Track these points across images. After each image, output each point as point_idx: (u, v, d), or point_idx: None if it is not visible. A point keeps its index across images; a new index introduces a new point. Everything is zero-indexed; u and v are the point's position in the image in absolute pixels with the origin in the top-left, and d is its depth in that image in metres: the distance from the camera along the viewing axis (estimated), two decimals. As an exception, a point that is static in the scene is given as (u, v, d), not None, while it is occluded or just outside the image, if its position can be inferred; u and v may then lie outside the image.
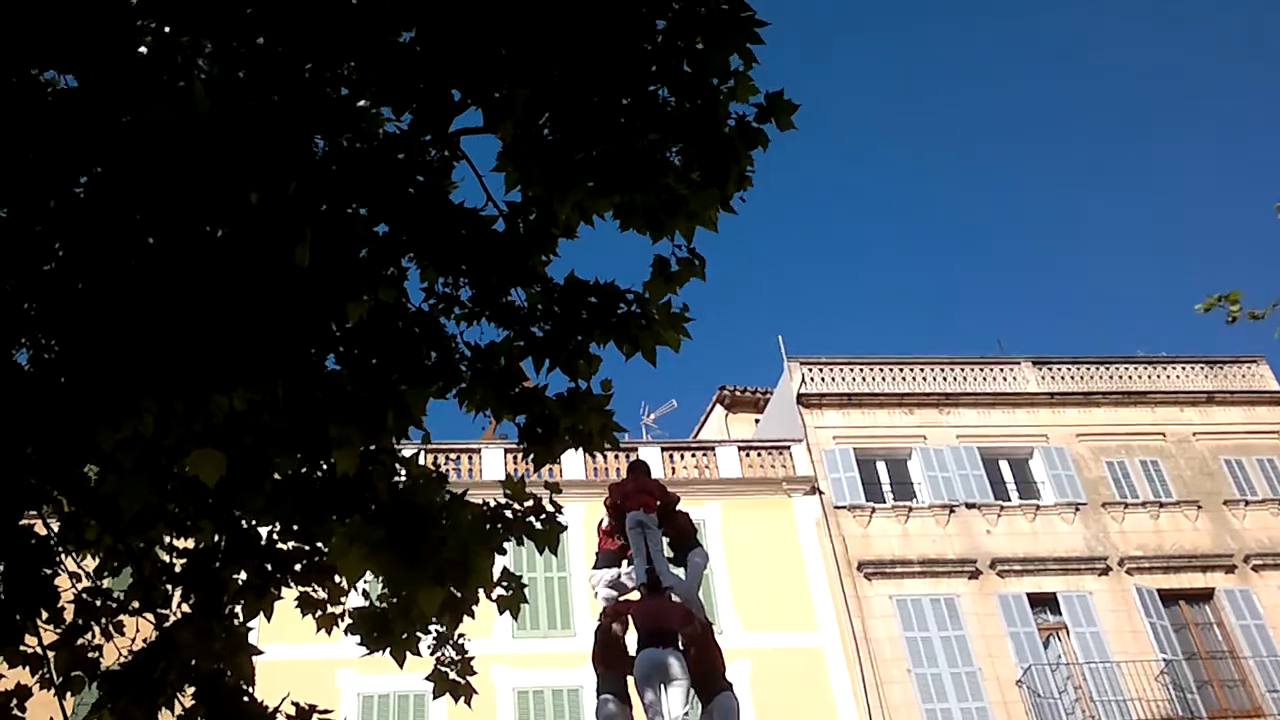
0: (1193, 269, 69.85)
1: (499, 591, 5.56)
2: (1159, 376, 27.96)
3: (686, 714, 8.83)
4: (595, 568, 10.38)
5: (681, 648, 9.10)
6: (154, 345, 3.98)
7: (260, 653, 5.95)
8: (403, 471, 5.31)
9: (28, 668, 5.93)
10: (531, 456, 5.03)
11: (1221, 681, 23.16)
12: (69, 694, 5.93)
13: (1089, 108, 72.17)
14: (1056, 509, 25.07)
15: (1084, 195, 73.11)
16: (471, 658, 6.18)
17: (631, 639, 9.47)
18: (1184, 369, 28.20)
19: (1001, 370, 27.59)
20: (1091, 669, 22.71)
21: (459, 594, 5.03)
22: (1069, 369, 27.84)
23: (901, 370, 27.17)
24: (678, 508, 10.48)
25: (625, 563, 10.21)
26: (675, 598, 9.51)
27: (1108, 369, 27.97)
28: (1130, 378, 27.87)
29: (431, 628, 5.79)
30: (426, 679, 6.07)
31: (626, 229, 4.57)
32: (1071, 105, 72.13)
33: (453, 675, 6.09)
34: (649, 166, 4.47)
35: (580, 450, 5.13)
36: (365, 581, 6.23)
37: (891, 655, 22.54)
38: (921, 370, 27.24)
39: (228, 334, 3.99)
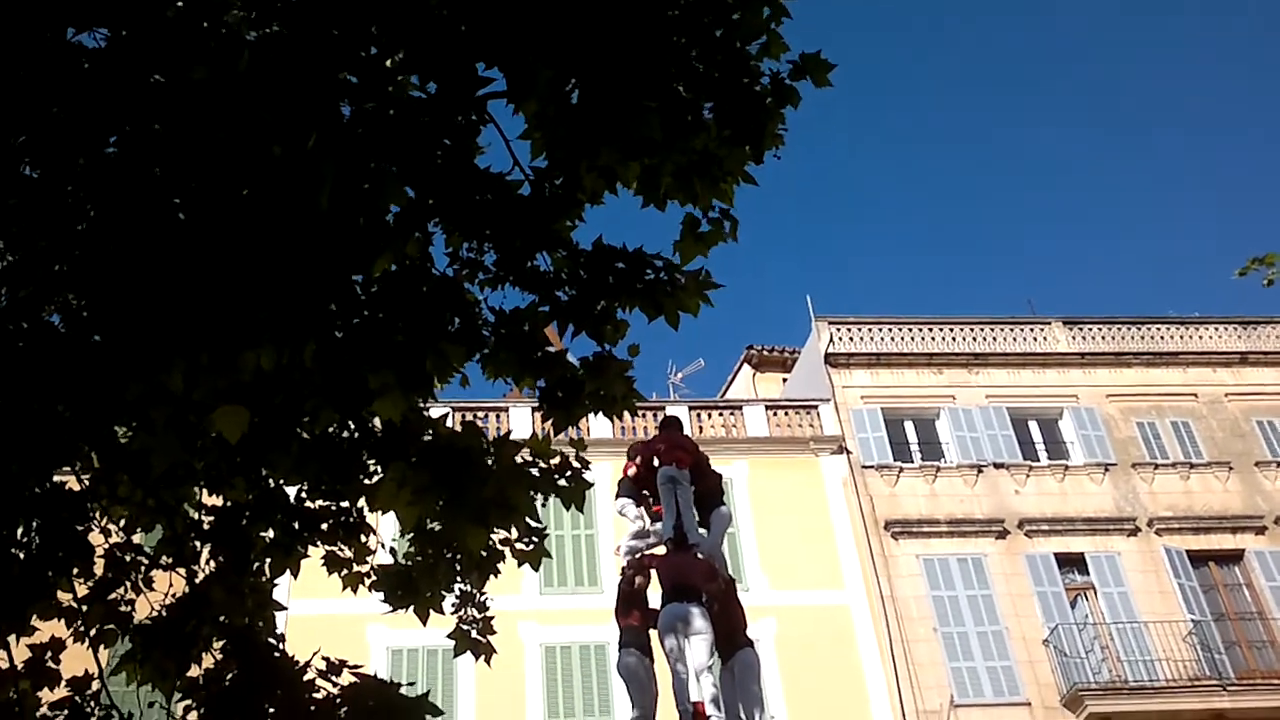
0: (1227, 228, 69.10)
1: (520, 545, 5.60)
2: (1191, 337, 27.74)
3: (710, 666, 8.91)
4: (617, 497, 10.55)
5: (705, 603, 9.17)
6: (183, 302, 4.02)
7: (284, 609, 6.04)
8: (430, 433, 5.34)
9: (62, 621, 6.04)
10: (551, 421, 5.05)
11: (1250, 642, 23.13)
12: (102, 647, 6.04)
13: (1123, 59, 71.27)
14: (1085, 469, 24.99)
15: (1117, 153, 72.36)
16: (492, 617, 6.26)
17: (654, 594, 9.54)
18: (1217, 329, 27.95)
19: (1032, 330, 27.42)
20: (1119, 629, 22.71)
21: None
22: (1100, 329, 27.65)
23: (930, 330, 27.06)
24: (708, 464, 10.55)
25: (643, 509, 10.29)
26: (700, 555, 9.56)
27: (1139, 329, 27.76)
28: (1162, 338, 27.66)
29: (455, 586, 5.85)
30: (448, 636, 6.14)
31: (652, 197, 4.56)
32: (1105, 57, 71.23)
33: (474, 634, 6.16)
34: (678, 128, 4.45)
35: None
36: (392, 539, 6.31)
37: (918, 614, 22.60)
38: (951, 330, 27.12)
39: (255, 291, 4.01)
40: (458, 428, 5.20)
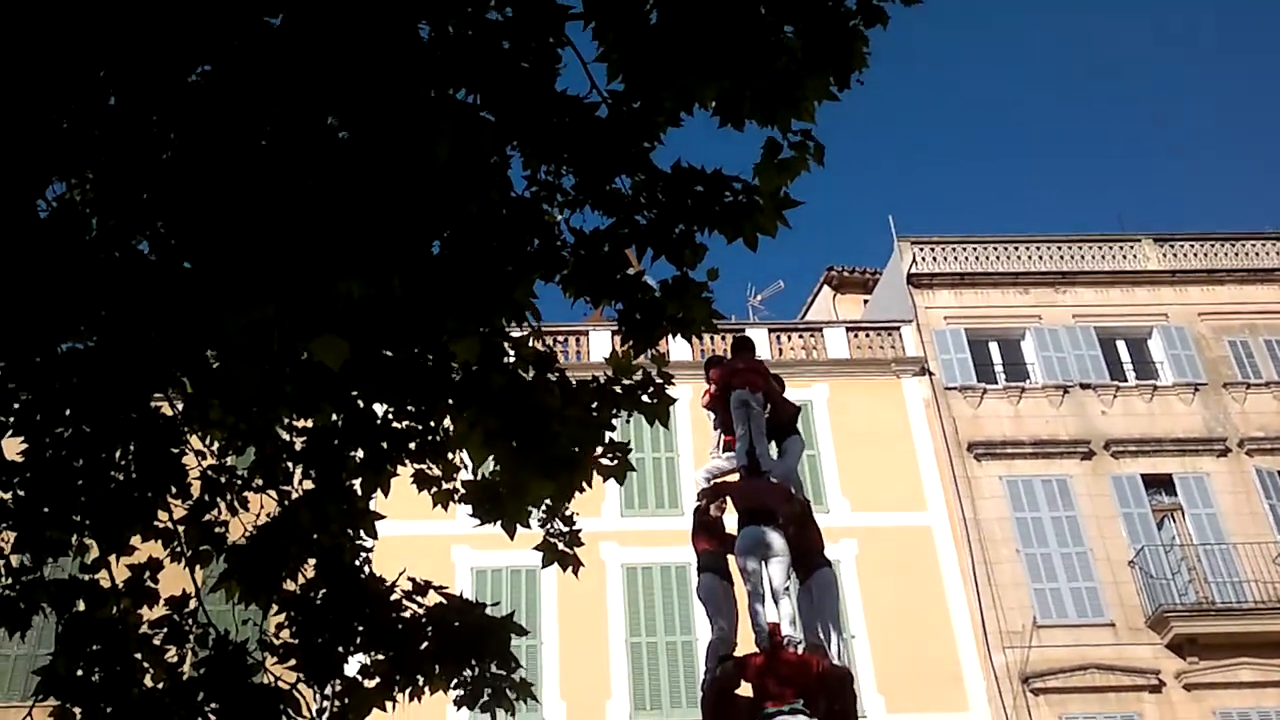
0: (1328, 140, 66.62)
1: (605, 461, 5.63)
2: (1289, 252, 26.92)
3: (787, 588, 8.96)
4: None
5: (781, 526, 9.20)
6: (274, 232, 4.07)
7: (381, 517, 6.16)
8: (512, 354, 5.39)
9: (160, 541, 6.23)
10: (630, 343, 5.06)
11: (1342, 563, 22.70)
12: (198, 567, 6.22)
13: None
14: (1175, 389, 24.52)
15: (1210, 64, 69.95)
16: (579, 530, 6.32)
17: (730, 519, 9.59)
18: (1316, 244, 27.10)
19: (1121, 248, 26.80)
20: (1206, 551, 22.40)
21: (565, 490, 5.16)
22: (1192, 246, 26.93)
23: (1016, 249, 26.56)
24: (783, 394, 10.50)
25: (722, 447, 10.29)
26: (774, 479, 9.57)
27: (1233, 245, 27.00)
28: (1257, 254, 26.88)
29: (543, 501, 5.91)
30: (535, 548, 6.22)
31: (730, 118, 4.49)
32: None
33: (561, 546, 6.24)
34: (759, 50, 4.37)
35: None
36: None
37: (1001, 535, 22.47)
38: (1037, 249, 26.59)
39: (347, 224, 4.05)
40: (540, 347, 5.24)
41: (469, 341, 4.46)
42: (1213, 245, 26.96)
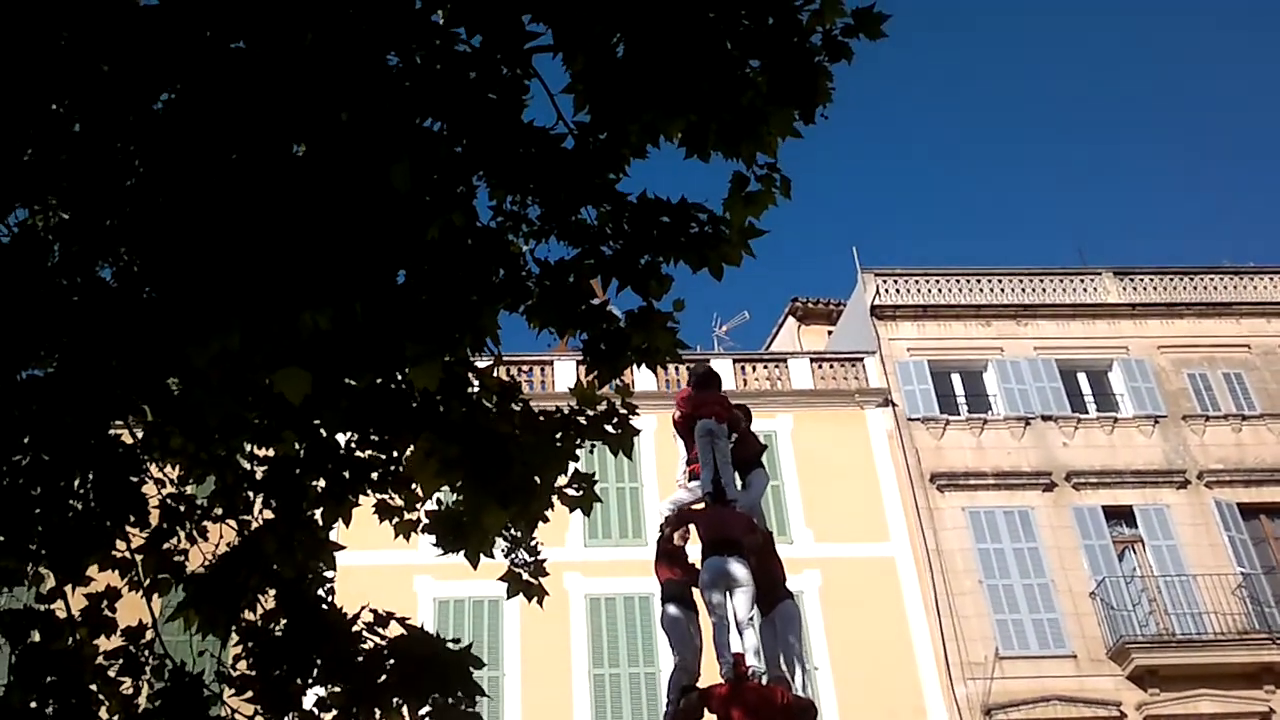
0: (1284, 176, 67.72)
1: (570, 492, 5.62)
2: (1245, 287, 27.31)
3: (751, 618, 8.96)
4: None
5: (745, 556, 9.20)
6: (238, 262, 4.05)
7: (341, 548, 6.11)
8: (476, 383, 5.38)
9: (117, 571, 6.15)
10: (595, 373, 5.07)
11: (1300, 596, 22.92)
12: (156, 596, 6.15)
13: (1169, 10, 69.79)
14: (1135, 421, 24.77)
15: (1172, 99, 71.01)
16: (544, 559, 6.29)
17: (693, 549, 9.59)
18: (1271, 279, 27.49)
19: (1082, 280, 27.11)
20: (1167, 582, 22.58)
21: (522, 516, 5.15)
22: (1152, 279, 27.29)
23: (978, 281, 26.81)
24: (749, 428, 10.52)
25: (688, 477, 10.28)
26: (739, 509, 9.58)
27: (1192, 279, 27.37)
28: (1215, 288, 27.26)
29: (505, 531, 5.88)
30: (500, 579, 6.19)
31: (696, 150, 4.51)
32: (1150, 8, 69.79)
33: (526, 576, 6.20)
34: (725, 85, 4.40)
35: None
36: (441, 490, 6.37)
37: (963, 566, 22.57)
38: (999, 281, 26.85)
39: (311, 252, 4.04)
40: (504, 376, 5.23)
41: (430, 368, 4.45)
42: (1172, 279, 27.32)
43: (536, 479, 5.12)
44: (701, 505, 9.78)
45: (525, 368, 23.72)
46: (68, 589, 5.82)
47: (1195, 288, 27.22)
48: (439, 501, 5.85)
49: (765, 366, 25.31)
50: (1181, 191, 71.00)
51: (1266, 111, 68.31)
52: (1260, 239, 69.57)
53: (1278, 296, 27.11)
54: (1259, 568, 22.94)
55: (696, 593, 9.30)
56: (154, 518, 6.09)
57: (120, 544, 5.94)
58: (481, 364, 5.43)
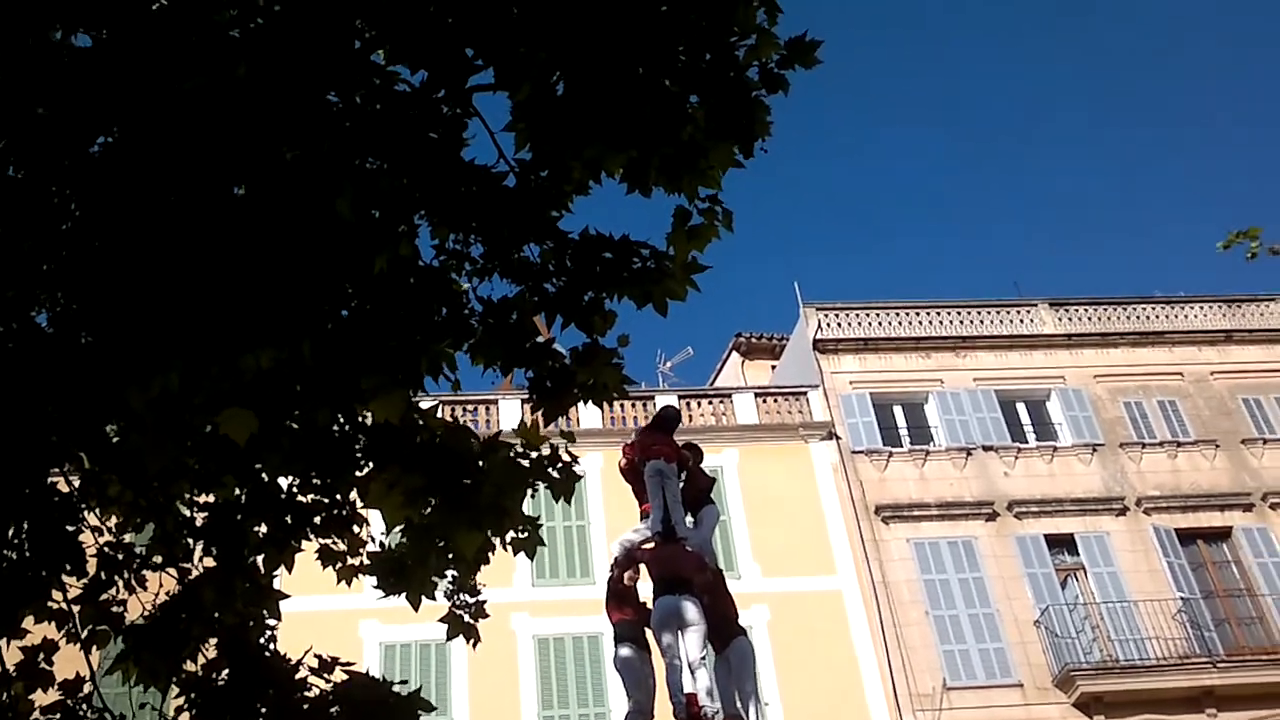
0: (1212, 207, 69.26)
1: (514, 534, 5.59)
2: (1177, 316, 27.82)
3: (703, 658, 8.93)
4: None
5: (695, 595, 9.18)
6: (178, 304, 4.00)
7: (286, 596, 6.02)
8: (423, 425, 5.34)
9: (54, 623, 6.01)
10: (541, 411, 5.05)
11: (1239, 619, 23.25)
12: (94, 648, 6.01)
13: (1102, 39, 71.33)
14: (1074, 450, 25.08)
15: (1100, 135, 72.45)
16: (484, 602, 6.25)
17: (644, 587, 9.56)
18: (1202, 308, 28.04)
19: (1018, 312, 27.49)
20: (1109, 608, 22.81)
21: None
22: (1086, 310, 27.74)
23: (918, 314, 27.11)
24: (700, 465, 10.55)
25: (641, 517, 10.28)
26: (689, 547, 9.58)
27: (1125, 309, 27.86)
28: (1148, 317, 27.75)
29: (448, 572, 5.84)
30: (440, 620, 6.13)
31: (638, 186, 4.52)
32: (1084, 37, 71.32)
33: (466, 618, 6.16)
34: (665, 120, 4.43)
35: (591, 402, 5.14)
36: (381, 532, 6.31)
37: (910, 598, 22.67)
38: (938, 313, 27.18)
39: (252, 292, 4.00)
40: (449, 418, 5.20)
41: (392, 398, 4.41)
42: (1106, 309, 27.79)
43: (507, 501, 5.08)
44: (652, 544, 9.77)
45: (469, 406, 23.59)
46: (2, 642, 5.68)
47: (1128, 318, 27.70)
48: (382, 546, 5.79)
49: (710, 402, 25.37)
50: (1114, 223, 72.33)
51: (1194, 144, 69.93)
52: (1189, 269, 71.02)
53: (1208, 325, 27.64)
54: (1198, 592, 23.25)
55: (650, 632, 9.27)
56: (91, 567, 5.97)
57: (57, 595, 5.80)
58: (425, 404, 5.39)
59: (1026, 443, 25.33)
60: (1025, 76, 72.28)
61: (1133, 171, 71.44)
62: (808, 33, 4.61)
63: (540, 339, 4.99)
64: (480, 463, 5.01)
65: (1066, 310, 27.66)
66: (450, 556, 5.58)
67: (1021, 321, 27.28)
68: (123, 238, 4.08)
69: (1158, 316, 27.79)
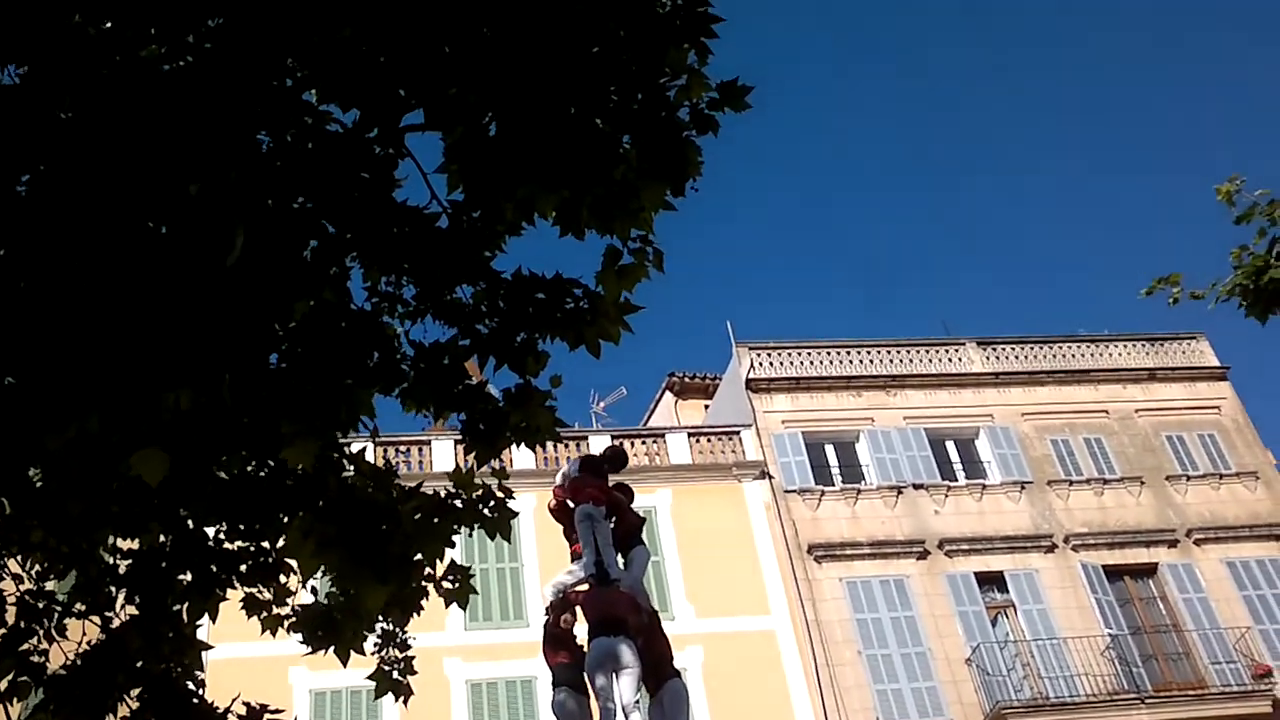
0: (1133, 247, 70.81)
1: (446, 584, 5.56)
2: (1101, 355, 28.33)
3: (638, 701, 8.88)
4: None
5: (630, 636, 9.14)
6: (96, 345, 3.92)
7: (210, 648, 5.91)
8: (351, 468, 5.29)
9: (-29, 675, 5.84)
10: (474, 453, 5.02)
11: (1166, 655, 23.56)
12: (14, 700, 5.85)
13: (1036, 85, 72.91)
14: (1003, 488, 25.36)
15: (1025, 178, 73.89)
16: (413, 656, 6.20)
17: (580, 629, 9.51)
18: (1126, 347, 28.59)
19: (947, 351, 27.84)
20: (1039, 646, 23.02)
21: (403, 592, 5.04)
22: (1013, 349, 28.16)
23: (848, 353, 27.35)
24: (630, 505, 10.53)
25: (571, 558, 10.24)
26: (623, 589, 9.55)
27: (1051, 348, 28.31)
28: (1073, 356, 28.22)
29: (378, 625, 5.77)
30: (369, 678, 6.08)
31: (570, 227, 4.53)
32: (1008, 77, 72.84)
33: (395, 674, 6.10)
34: (597, 160, 4.44)
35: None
36: (314, 579, 6.22)
37: (842, 637, 22.72)
38: (868, 352, 27.44)
39: (172, 333, 3.93)
40: (379, 462, 5.14)
41: (305, 445, 4.35)
42: (1032, 348, 28.22)
43: (418, 556, 5.03)
44: (585, 587, 9.73)
45: (402, 448, 23.36)
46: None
47: (1054, 356, 28.15)
48: (314, 592, 5.71)
49: (644, 442, 25.35)
50: (1040, 263, 73.66)
51: (1119, 189, 71.52)
52: (1114, 309, 72.42)
53: (1132, 363, 28.17)
54: (1126, 629, 23.55)
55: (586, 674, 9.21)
56: (11, 616, 5.82)
57: (-27, 646, 5.65)
58: (356, 447, 5.34)
59: (956, 481, 25.57)
60: (951, 123, 73.65)
61: (1059, 212, 72.92)
62: (739, 78, 4.67)
63: (472, 381, 4.96)
64: (393, 516, 4.97)
65: (994, 349, 28.06)
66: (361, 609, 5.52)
67: (950, 360, 27.63)
68: (40, 278, 4.00)
69: (1083, 355, 28.28)
